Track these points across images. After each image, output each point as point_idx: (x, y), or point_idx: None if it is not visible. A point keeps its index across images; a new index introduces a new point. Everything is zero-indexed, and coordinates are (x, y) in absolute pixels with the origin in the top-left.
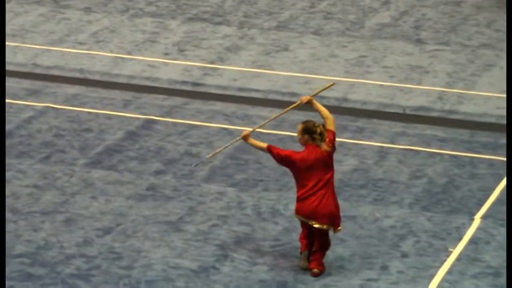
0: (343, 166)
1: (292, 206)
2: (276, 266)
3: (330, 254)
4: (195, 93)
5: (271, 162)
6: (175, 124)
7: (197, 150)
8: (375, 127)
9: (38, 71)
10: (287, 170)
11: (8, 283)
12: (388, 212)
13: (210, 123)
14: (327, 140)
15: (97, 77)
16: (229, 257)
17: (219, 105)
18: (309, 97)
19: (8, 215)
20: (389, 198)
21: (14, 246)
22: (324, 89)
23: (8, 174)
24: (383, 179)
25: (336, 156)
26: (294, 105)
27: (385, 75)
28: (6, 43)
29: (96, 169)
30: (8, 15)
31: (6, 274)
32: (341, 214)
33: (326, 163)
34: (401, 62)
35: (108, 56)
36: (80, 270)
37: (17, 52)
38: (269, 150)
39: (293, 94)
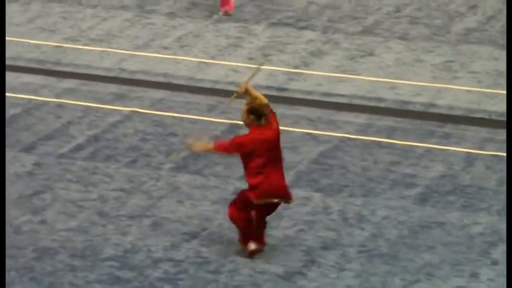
0: (430, 172)
1: (380, 212)
2: (363, 272)
3: (418, 261)
4: (280, 98)
5: (356, 167)
6: None
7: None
8: (462, 133)
9: (124, 75)
10: (373, 175)
11: (96, 286)
12: (476, 219)
13: (295, 128)
14: (274, 120)
15: (182, 82)
16: (316, 263)
17: (303, 110)
18: (245, 85)
19: (96, 219)
20: (477, 204)
21: (103, 249)
22: (255, 73)
23: (95, 178)
24: (471, 185)
25: (423, 161)
26: (233, 95)
27: (472, 80)
28: (93, 48)
29: (182, 173)
30: (95, 21)
31: (95, 277)
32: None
33: (277, 141)
34: (488, 67)
35: (192, 60)
36: (168, 274)
37: (104, 57)
38: (219, 149)
39: (379, 99)
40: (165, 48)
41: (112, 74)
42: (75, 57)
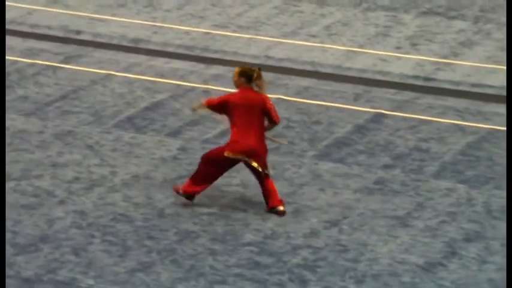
0: None
1: None
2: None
3: None
4: (427, 88)
5: (503, 159)
6: (405, 119)
7: (427, 146)
8: None
9: (270, 63)
10: None
11: (236, 270)
12: None
13: (442, 118)
14: (265, 97)
15: (329, 70)
16: (458, 255)
17: (451, 101)
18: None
19: (238, 204)
20: None
21: (243, 234)
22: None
23: (239, 164)
24: None
25: None
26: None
27: None
28: (241, 35)
29: (325, 161)
30: (243, 8)
31: (234, 261)
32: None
33: (262, 108)
34: None
35: (340, 49)
36: (307, 261)
37: (251, 44)
38: (207, 103)
39: None
40: (313, 36)
41: (259, 61)
42: (223, 44)
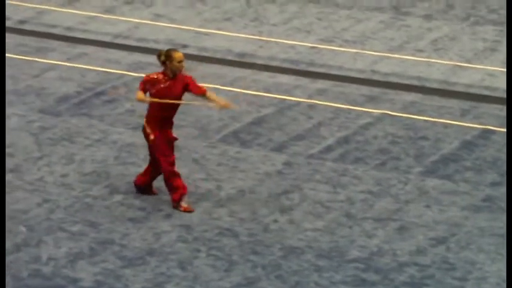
0: None
1: None
2: None
3: None
4: None
5: None
6: None
7: None
8: None
9: (376, 77)
10: None
11: (341, 287)
12: None
13: None
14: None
15: (435, 85)
16: None
17: None
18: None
19: (343, 220)
20: None
21: (348, 251)
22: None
23: (344, 180)
24: None
25: None
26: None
27: None
28: (347, 49)
29: (431, 178)
30: (349, 22)
31: (340, 278)
32: None
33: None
34: None
35: (446, 64)
36: (413, 278)
37: (357, 58)
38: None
39: None
40: (420, 50)
41: (364, 76)
42: (329, 58)
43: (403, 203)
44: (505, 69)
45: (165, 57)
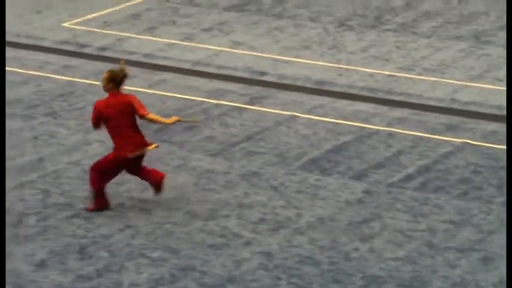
0: None
1: None
2: None
3: None
4: None
5: None
6: None
7: None
8: None
9: (456, 106)
10: None
11: None
12: None
13: None
14: (130, 96)
15: None
16: None
17: None
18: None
19: (425, 250)
20: None
21: (431, 281)
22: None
23: (425, 209)
24: None
25: None
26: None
27: None
28: (426, 78)
29: None
30: (428, 50)
31: None
32: None
33: (130, 109)
34: None
35: None
36: None
37: (436, 87)
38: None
39: None
40: (500, 80)
41: (444, 105)
42: (408, 87)
43: (486, 234)
44: None
45: (124, 75)
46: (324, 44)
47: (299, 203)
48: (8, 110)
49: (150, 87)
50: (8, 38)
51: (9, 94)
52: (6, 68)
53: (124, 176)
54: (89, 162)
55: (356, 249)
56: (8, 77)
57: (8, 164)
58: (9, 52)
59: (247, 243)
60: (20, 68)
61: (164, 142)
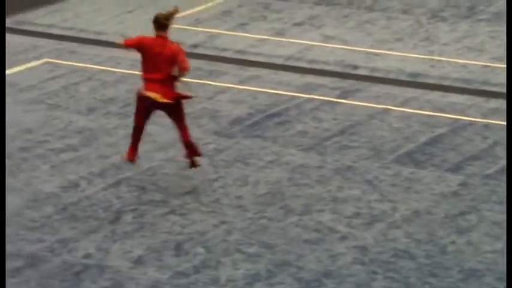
0: None
1: None
2: None
3: None
4: None
5: None
6: None
7: None
8: None
9: None
10: None
11: None
12: None
13: None
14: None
15: None
16: None
17: None
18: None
19: None
20: None
21: None
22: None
23: None
24: None
25: None
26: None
27: None
28: None
29: None
30: None
31: None
32: None
33: (171, 56)
34: None
35: None
36: None
37: None
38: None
39: None
40: None
41: None
42: (504, 77)
43: None
44: None
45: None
46: (416, 36)
47: (394, 197)
48: (103, 109)
49: (241, 83)
50: (105, 37)
51: (104, 93)
52: (101, 68)
53: (220, 171)
54: (184, 159)
55: (453, 243)
56: (102, 77)
57: (105, 162)
58: (105, 52)
59: (343, 238)
60: (114, 67)
61: (257, 137)
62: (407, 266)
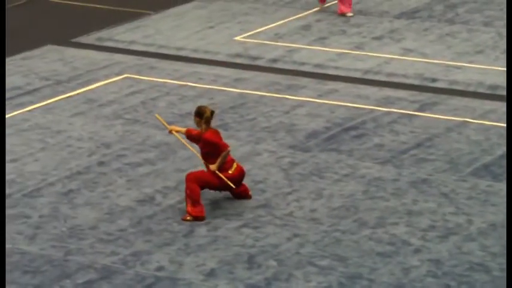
0: None
1: None
2: None
3: None
4: None
5: None
6: None
7: None
8: None
9: None
10: None
11: None
12: None
13: None
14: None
15: None
16: None
17: None
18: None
19: None
20: None
21: None
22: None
23: None
24: None
25: None
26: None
27: None
28: None
29: None
30: None
31: None
32: None
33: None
34: None
35: None
36: None
37: None
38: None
39: None
40: None
41: None
42: None
43: None
44: None
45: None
46: (497, 48)
47: (470, 210)
48: (181, 123)
49: (319, 96)
50: (186, 53)
51: (182, 107)
52: (180, 83)
53: (295, 184)
54: (259, 172)
55: None
56: (184, 92)
57: (180, 175)
58: (187, 67)
59: (416, 251)
60: (195, 82)
61: (333, 151)
62: (481, 279)
